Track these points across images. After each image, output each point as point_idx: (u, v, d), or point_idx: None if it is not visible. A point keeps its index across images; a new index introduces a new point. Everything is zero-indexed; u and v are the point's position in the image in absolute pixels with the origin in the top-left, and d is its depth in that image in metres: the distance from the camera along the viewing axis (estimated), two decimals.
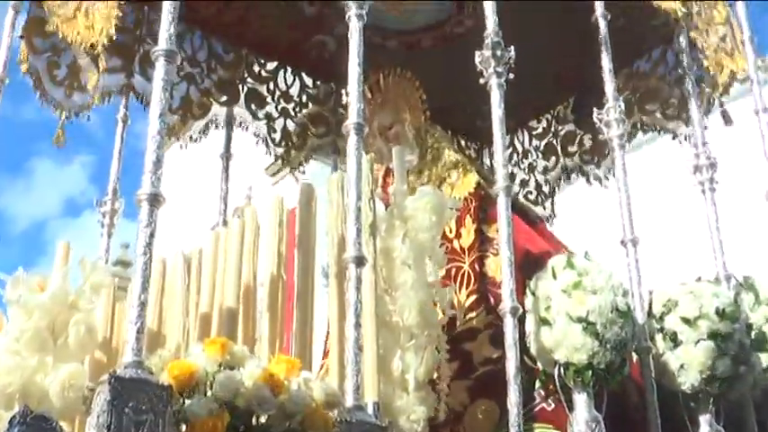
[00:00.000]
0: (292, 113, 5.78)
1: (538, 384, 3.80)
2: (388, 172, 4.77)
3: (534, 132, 6.25)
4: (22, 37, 4.51)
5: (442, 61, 5.47)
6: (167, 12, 3.10)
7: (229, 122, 5.56)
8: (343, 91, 3.58)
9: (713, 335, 3.83)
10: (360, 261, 3.14)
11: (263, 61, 5.63)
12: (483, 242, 4.51)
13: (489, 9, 3.97)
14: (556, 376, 3.55)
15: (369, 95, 4.94)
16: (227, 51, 5.44)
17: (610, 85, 4.31)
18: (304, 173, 5.82)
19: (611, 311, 3.53)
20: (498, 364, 3.61)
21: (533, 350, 3.63)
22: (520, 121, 6.12)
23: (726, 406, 3.91)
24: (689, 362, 3.81)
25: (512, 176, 5.89)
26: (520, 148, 6.28)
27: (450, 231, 4.53)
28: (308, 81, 5.84)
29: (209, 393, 2.66)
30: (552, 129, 6.17)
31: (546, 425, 3.81)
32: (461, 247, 4.55)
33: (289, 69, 5.73)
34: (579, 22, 4.54)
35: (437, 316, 3.80)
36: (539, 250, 4.37)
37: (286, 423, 2.74)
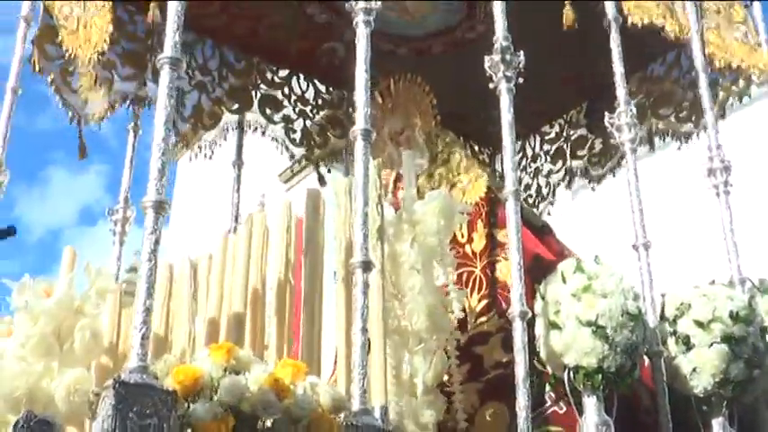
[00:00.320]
0: (310, 115, 5.82)
1: (548, 388, 3.78)
2: (398, 177, 4.77)
3: (546, 137, 6.23)
4: (33, 42, 4.54)
5: (453, 67, 5.46)
6: (172, 19, 3.12)
7: (241, 130, 5.59)
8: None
9: (727, 338, 3.80)
10: (367, 266, 3.14)
11: (275, 68, 5.65)
12: (494, 247, 4.52)
13: (499, 12, 3.96)
14: (565, 380, 3.54)
15: (380, 101, 4.97)
16: (238, 60, 5.46)
17: (621, 89, 4.28)
18: (330, 171, 5.83)
19: (622, 315, 3.50)
20: (509, 368, 3.59)
21: (543, 354, 3.62)
22: (533, 127, 6.12)
23: (739, 409, 3.88)
24: (702, 365, 3.78)
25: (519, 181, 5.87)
26: (530, 153, 6.27)
27: (463, 236, 4.54)
28: (321, 87, 5.86)
29: (214, 398, 2.66)
30: (564, 133, 6.15)
31: (558, 428, 3.80)
32: (473, 252, 4.55)
33: (301, 76, 5.75)
34: (595, 26, 4.51)
35: (447, 320, 3.80)
36: (548, 255, 4.36)
37: (292, 427, 2.74)
